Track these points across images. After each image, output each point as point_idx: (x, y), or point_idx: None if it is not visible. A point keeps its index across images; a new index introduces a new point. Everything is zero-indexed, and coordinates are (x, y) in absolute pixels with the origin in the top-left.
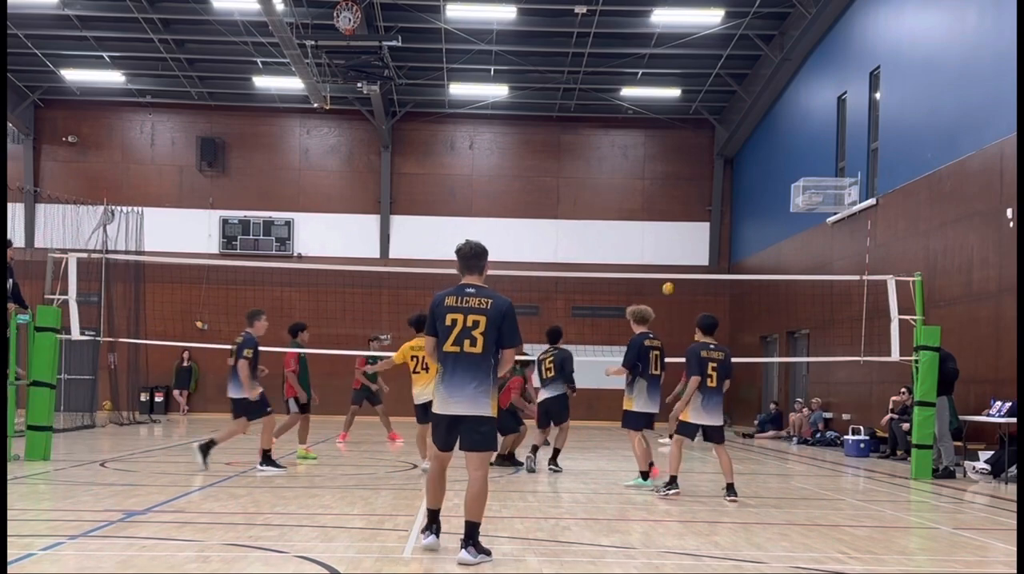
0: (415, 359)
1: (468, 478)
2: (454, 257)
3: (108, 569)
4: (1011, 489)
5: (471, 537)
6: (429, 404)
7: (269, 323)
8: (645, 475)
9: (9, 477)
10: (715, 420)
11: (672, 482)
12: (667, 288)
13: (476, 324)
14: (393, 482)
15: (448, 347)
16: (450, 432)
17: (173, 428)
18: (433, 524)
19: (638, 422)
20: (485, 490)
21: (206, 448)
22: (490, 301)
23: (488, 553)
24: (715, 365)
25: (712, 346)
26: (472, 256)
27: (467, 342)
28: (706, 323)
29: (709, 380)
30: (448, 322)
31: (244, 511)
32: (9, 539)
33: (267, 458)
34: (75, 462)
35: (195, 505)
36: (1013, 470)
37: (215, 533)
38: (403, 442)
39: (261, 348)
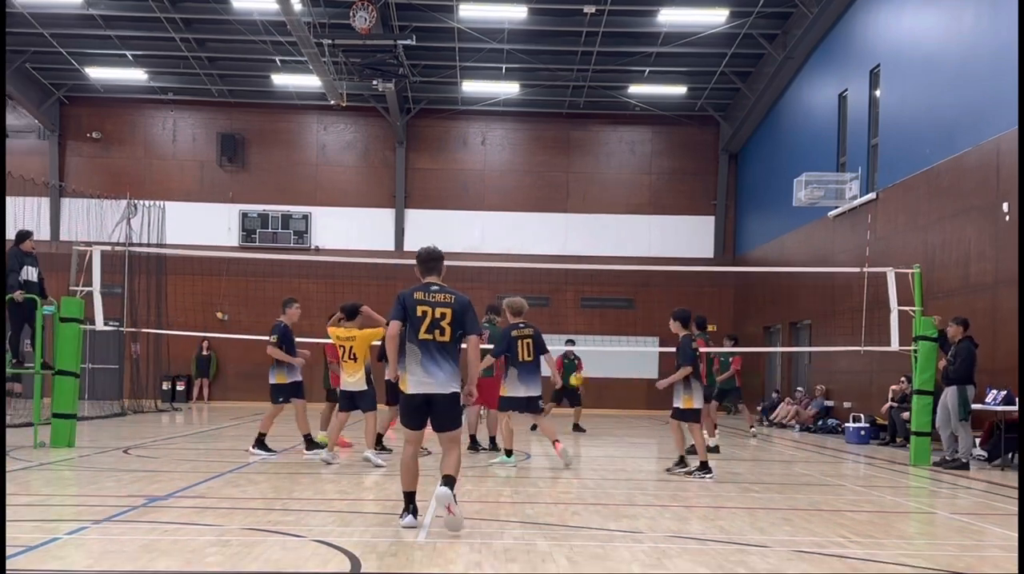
0: (342, 349)
1: (444, 453)
2: (471, 250)
3: (131, 552)
4: (1008, 475)
5: (451, 483)
6: (356, 393)
7: (302, 313)
8: (509, 453)
9: (35, 463)
10: (533, 391)
11: (509, 454)
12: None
13: (443, 316)
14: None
15: (422, 335)
16: (421, 412)
17: (194, 416)
18: (411, 505)
19: (507, 405)
20: (459, 460)
21: (310, 443)
22: (453, 296)
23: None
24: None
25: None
26: (431, 259)
27: (437, 331)
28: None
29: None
30: (419, 313)
31: (263, 497)
32: (35, 523)
33: (310, 442)
34: (99, 449)
35: (215, 491)
36: (1011, 457)
37: (235, 518)
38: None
39: (303, 339)
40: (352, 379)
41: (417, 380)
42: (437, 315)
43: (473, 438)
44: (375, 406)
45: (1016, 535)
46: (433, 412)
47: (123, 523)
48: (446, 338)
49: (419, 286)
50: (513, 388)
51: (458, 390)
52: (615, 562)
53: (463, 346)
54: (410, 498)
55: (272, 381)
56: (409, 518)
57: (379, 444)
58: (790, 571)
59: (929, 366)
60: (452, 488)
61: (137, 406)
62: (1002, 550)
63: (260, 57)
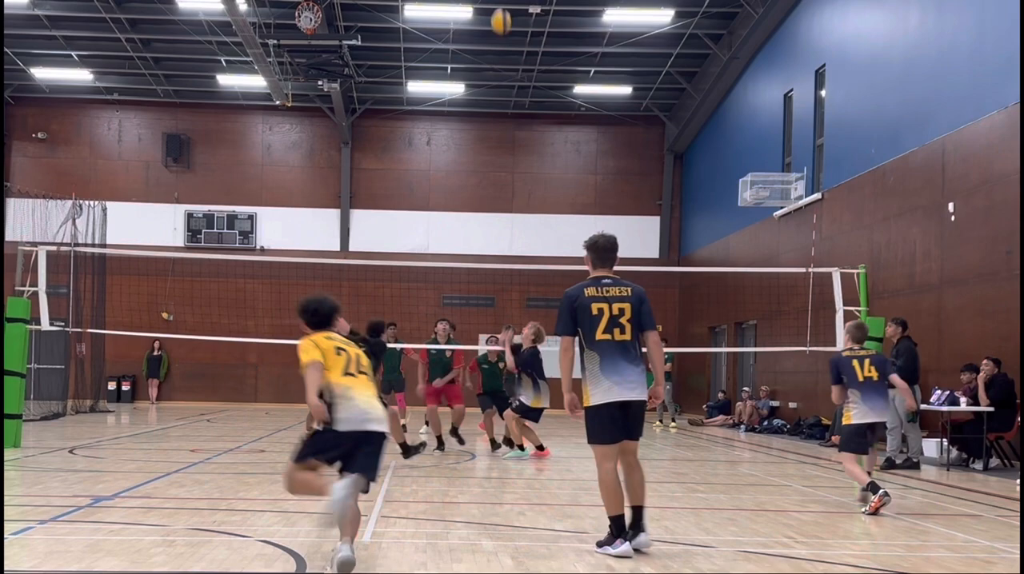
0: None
1: (626, 465)
2: (417, 250)
3: (76, 553)
4: (953, 476)
5: (642, 520)
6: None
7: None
8: (521, 447)
9: None
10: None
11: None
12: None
13: (622, 312)
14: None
15: (600, 336)
16: (617, 422)
17: (141, 416)
18: (622, 531)
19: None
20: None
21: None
22: (629, 289)
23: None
24: None
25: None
26: (608, 249)
27: (616, 330)
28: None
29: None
30: (595, 311)
31: (208, 497)
32: None
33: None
34: (44, 449)
35: (161, 491)
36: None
37: (180, 518)
38: None
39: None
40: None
41: (606, 388)
42: (615, 312)
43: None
44: None
45: (961, 535)
46: (628, 419)
47: (68, 523)
48: (627, 336)
49: (588, 281)
50: (537, 400)
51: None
52: (560, 562)
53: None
54: (620, 523)
55: None
56: (624, 546)
57: None
58: (736, 572)
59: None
60: (643, 520)
61: (81, 406)
62: (947, 550)
63: (205, 57)
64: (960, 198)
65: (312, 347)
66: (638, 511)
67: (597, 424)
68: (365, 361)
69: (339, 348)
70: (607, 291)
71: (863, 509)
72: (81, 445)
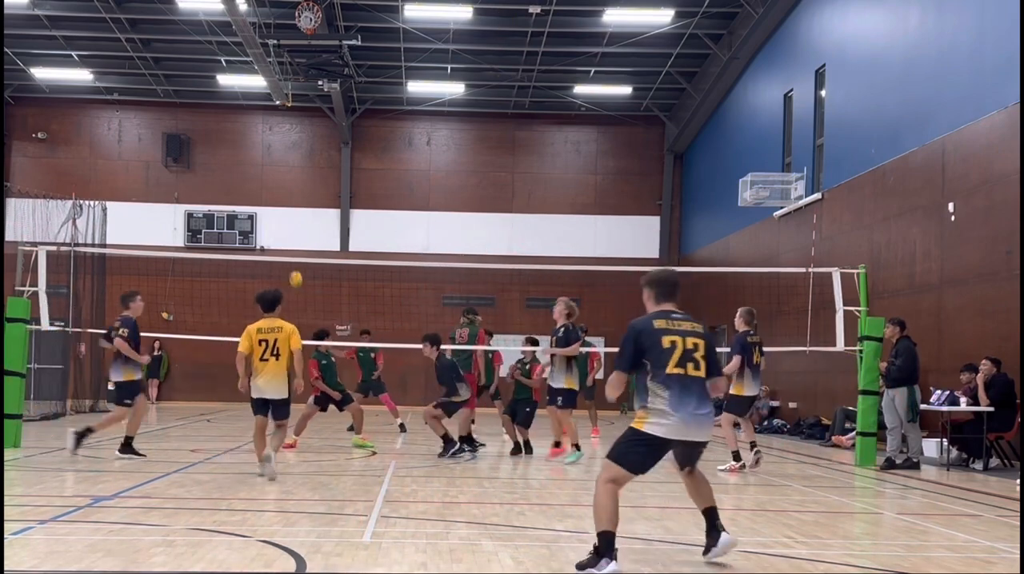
0: (263, 344)
1: (691, 481)
2: (417, 250)
3: (76, 553)
4: (953, 476)
5: (718, 520)
6: (275, 401)
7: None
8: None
9: None
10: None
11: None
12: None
13: (696, 347)
14: (353, 469)
15: (671, 369)
16: (659, 457)
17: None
18: (708, 533)
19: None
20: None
21: (81, 436)
22: (699, 326)
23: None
24: None
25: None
26: (673, 283)
27: (691, 365)
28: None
29: None
30: (667, 344)
31: (208, 497)
32: None
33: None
34: (44, 449)
35: (161, 491)
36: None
37: (180, 518)
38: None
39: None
40: (275, 384)
41: (671, 424)
42: (689, 346)
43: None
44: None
45: (961, 535)
46: (685, 454)
47: (69, 523)
48: (700, 373)
49: (657, 313)
50: (571, 381)
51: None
52: (560, 562)
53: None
54: (610, 540)
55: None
56: (612, 566)
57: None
58: (735, 571)
59: (875, 366)
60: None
61: (80, 406)
62: (947, 550)
63: (205, 57)
64: (960, 198)
65: (244, 337)
66: (712, 512)
67: (636, 450)
68: (281, 346)
69: (262, 339)
70: (679, 324)
71: (720, 468)
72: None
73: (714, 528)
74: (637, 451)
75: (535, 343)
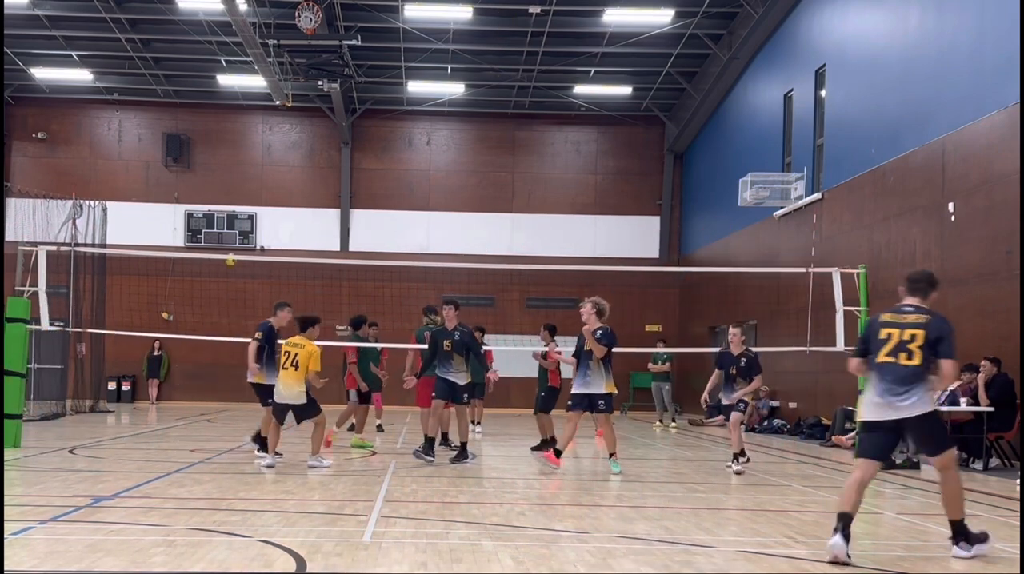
0: (287, 355)
1: (941, 479)
2: (417, 250)
3: (76, 553)
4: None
5: (961, 533)
6: (295, 406)
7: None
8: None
9: None
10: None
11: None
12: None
13: (913, 338)
14: (352, 469)
15: (881, 358)
16: (876, 440)
17: (141, 416)
18: (845, 526)
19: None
20: (960, 486)
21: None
22: (928, 318)
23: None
24: None
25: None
26: (922, 280)
27: (903, 354)
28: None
29: None
30: (883, 335)
31: (208, 497)
32: None
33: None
34: (45, 449)
35: (161, 491)
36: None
37: (180, 518)
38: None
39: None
40: (292, 391)
41: (874, 406)
42: (905, 337)
43: (445, 436)
44: (319, 410)
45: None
46: (912, 439)
47: (68, 523)
48: (914, 361)
49: (893, 308)
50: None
51: (934, 410)
52: (560, 562)
53: None
54: (845, 520)
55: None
56: (836, 538)
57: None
58: (735, 571)
59: None
60: (965, 532)
61: (80, 406)
62: (947, 550)
63: (205, 57)
64: (960, 198)
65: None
66: (954, 525)
67: (861, 436)
68: (301, 359)
69: (287, 351)
70: (903, 318)
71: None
72: (81, 445)
73: (956, 537)
74: (860, 438)
75: (553, 329)
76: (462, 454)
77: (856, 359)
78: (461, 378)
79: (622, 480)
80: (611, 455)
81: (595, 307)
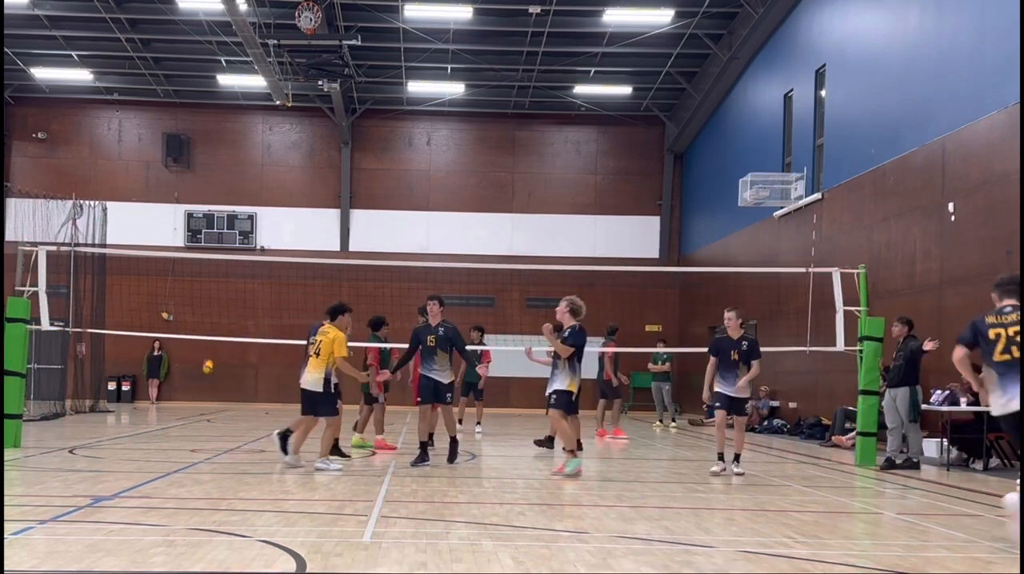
0: (312, 342)
1: None
2: (417, 250)
3: (76, 553)
4: (953, 476)
5: None
6: (314, 394)
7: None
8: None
9: None
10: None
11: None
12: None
13: (1018, 333)
14: (353, 469)
15: (998, 357)
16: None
17: (141, 416)
18: None
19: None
20: None
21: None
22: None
23: None
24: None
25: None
26: (1003, 283)
27: (1015, 348)
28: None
29: None
30: (992, 336)
31: (208, 497)
32: None
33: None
34: (44, 449)
35: (161, 491)
36: (971, 460)
37: (180, 518)
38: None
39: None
40: (311, 377)
41: (1004, 402)
42: (1011, 334)
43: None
44: (335, 413)
45: (961, 535)
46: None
47: (68, 523)
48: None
49: (993, 310)
50: (572, 383)
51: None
52: (560, 562)
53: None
54: None
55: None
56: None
57: (336, 450)
58: (735, 571)
59: (875, 366)
60: None
61: (80, 406)
62: (947, 550)
63: (205, 57)
64: (960, 198)
65: None
66: None
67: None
68: (324, 346)
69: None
70: (1006, 318)
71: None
72: (81, 445)
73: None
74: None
75: (560, 328)
76: (453, 450)
77: (963, 350)
78: (445, 376)
79: (622, 480)
80: (569, 451)
81: (569, 306)
